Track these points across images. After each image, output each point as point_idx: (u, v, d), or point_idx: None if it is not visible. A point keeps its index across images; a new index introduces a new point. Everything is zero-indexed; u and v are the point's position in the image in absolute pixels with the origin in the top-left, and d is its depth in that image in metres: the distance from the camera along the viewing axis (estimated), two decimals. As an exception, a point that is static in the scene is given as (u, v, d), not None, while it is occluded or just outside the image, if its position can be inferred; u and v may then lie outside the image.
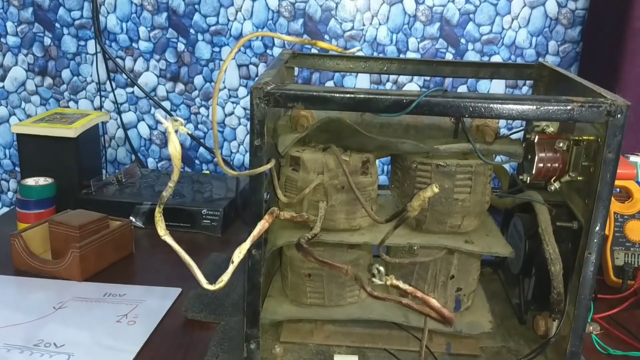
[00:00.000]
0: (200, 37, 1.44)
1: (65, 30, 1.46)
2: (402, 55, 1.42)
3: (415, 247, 0.75)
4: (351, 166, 0.71)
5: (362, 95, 0.63)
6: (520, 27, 1.40)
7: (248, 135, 1.44)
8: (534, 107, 0.62)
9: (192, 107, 1.49)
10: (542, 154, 0.70)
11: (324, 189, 0.72)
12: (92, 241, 0.98)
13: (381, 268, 0.53)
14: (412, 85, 1.45)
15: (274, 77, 0.68)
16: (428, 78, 1.43)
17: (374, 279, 0.53)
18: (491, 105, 0.62)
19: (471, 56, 1.42)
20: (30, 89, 1.51)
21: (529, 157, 0.72)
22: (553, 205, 0.73)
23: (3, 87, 1.50)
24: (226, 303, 0.90)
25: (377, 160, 0.76)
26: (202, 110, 1.49)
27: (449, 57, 1.42)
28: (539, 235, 0.72)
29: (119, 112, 1.50)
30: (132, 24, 1.44)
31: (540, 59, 1.41)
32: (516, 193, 0.83)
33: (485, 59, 1.42)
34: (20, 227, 1.08)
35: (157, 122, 1.51)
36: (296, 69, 0.94)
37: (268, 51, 1.44)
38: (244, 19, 1.42)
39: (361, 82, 1.45)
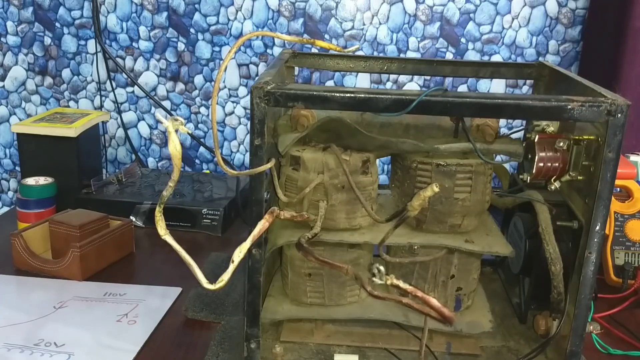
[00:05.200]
0: (200, 36, 1.44)
1: (65, 30, 1.46)
2: (402, 55, 1.42)
3: (416, 247, 0.75)
4: (351, 166, 0.71)
5: (362, 95, 0.63)
6: (520, 27, 1.40)
7: (248, 135, 1.44)
8: (534, 106, 0.62)
9: (192, 106, 1.49)
10: (543, 154, 0.70)
11: (324, 189, 0.72)
12: (93, 241, 0.98)
13: (381, 267, 0.53)
14: (413, 84, 1.45)
15: (274, 76, 0.68)
16: (428, 77, 1.43)
17: (374, 279, 0.53)
18: (491, 104, 0.62)
19: (471, 56, 1.42)
20: (31, 89, 1.51)
21: (529, 156, 0.72)
22: (553, 205, 0.73)
23: (3, 86, 1.51)
24: (226, 302, 0.90)
25: (377, 160, 0.76)
26: (202, 109, 1.49)
27: (449, 56, 1.42)
28: (539, 235, 0.72)
29: (119, 112, 1.50)
30: (132, 23, 1.44)
31: (541, 59, 1.41)
32: (516, 192, 0.83)
33: (486, 58, 1.42)
34: (21, 226, 1.08)
35: (158, 121, 1.51)
36: (296, 68, 0.94)
37: (268, 50, 1.44)
38: (244, 19, 1.42)
39: (361, 81, 1.45)
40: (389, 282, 0.53)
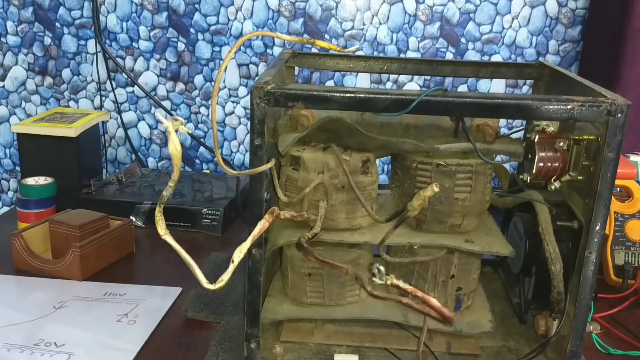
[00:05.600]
0: (200, 36, 1.44)
1: (65, 30, 1.46)
2: (402, 55, 1.42)
3: (416, 247, 0.75)
4: (351, 165, 0.71)
5: (362, 95, 0.63)
6: (520, 27, 1.40)
7: (248, 135, 1.44)
8: (535, 106, 0.62)
9: (192, 106, 1.49)
10: (543, 154, 0.70)
11: (324, 189, 0.72)
12: (93, 241, 0.98)
13: (381, 267, 0.53)
14: (413, 84, 1.45)
15: (274, 76, 0.68)
16: (428, 77, 1.43)
17: (374, 279, 0.53)
18: (491, 104, 0.62)
19: (471, 55, 1.42)
20: (31, 89, 1.51)
21: (529, 156, 0.72)
22: (553, 205, 0.73)
23: (3, 86, 1.51)
24: (226, 302, 0.90)
25: (378, 160, 0.76)
26: (202, 109, 1.49)
27: (449, 56, 1.42)
28: (539, 235, 0.72)
29: (119, 112, 1.50)
30: (132, 23, 1.44)
31: (541, 59, 1.41)
32: (516, 192, 0.83)
33: (486, 58, 1.42)
34: (21, 226, 1.08)
35: (158, 121, 1.51)
36: (296, 68, 0.94)
37: (268, 50, 1.44)
38: (244, 19, 1.42)
39: (361, 81, 1.45)
40: (389, 282, 0.53)
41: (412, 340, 0.77)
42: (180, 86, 1.48)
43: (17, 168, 1.54)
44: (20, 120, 1.50)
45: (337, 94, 0.63)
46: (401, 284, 0.53)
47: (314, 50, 0.98)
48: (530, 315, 0.81)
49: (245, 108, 1.48)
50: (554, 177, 0.70)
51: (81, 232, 0.98)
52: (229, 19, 1.42)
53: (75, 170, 1.22)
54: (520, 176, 0.73)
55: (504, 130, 1.33)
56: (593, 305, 0.70)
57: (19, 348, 0.78)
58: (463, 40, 1.41)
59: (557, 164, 0.70)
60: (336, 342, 0.78)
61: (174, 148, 0.48)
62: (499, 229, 0.81)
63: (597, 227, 0.65)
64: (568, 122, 0.73)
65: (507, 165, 0.93)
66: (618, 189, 1.05)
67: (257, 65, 1.45)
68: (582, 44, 1.39)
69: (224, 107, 1.49)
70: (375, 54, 1.43)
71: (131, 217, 1.16)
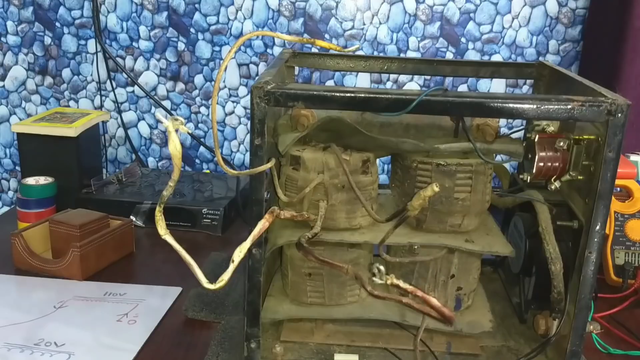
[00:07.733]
0: (200, 36, 1.44)
1: (65, 30, 1.46)
2: (402, 55, 1.42)
3: (416, 246, 0.75)
4: (351, 165, 0.71)
5: (363, 95, 0.63)
6: (520, 26, 1.40)
7: (248, 135, 1.44)
8: (535, 106, 0.62)
9: (192, 106, 1.49)
10: (543, 153, 0.70)
11: (325, 188, 0.72)
12: (93, 240, 0.98)
13: (381, 267, 0.53)
14: (413, 84, 1.45)
15: (275, 76, 0.68)
16: (428, 77, 1.43)
17: (374, 278, 0.53)
18: (491, 104, 0.62)
19: (471, 55, 1.42)
20: (31, 88, 1.51)
21: (530, 156, 0.72)
22: (553, 205, 0.73)
23: (3, 86, 1.51)
24: (227, 302, 0.90)
25: (378, 160, 0.76)
26: (203, 109, 1.49)
27: (449, 56, 1.42)
28: (540, 235, 0.72)
29: (120, 112, 1.50)
30: (133, 23, 1.44)
31: (541, 58, 1.41)
32: (517, 192, 0.83)
33: (486, 58, 1.42)
34: (21, 226, 1.08)
35: (158, 121, 1.51)
36: (296, 68, 0.94)
37: (268, 50, 1.44)
38: (244, 18, 1.42)
39: (361, 81, 1.45)
40: (389, 282, 0.53)
41: (412, 340, 0.76)
42: (180, 86, 1.48)
43: (17, 168, 1.54)
44: (21, 120, 1.50)
45: (337, 94, 0.63)
46: (401, 283, 0.53)
47: (314, 50, 0.98)
48: (530, 315, 0.81)
49: (245, 108, 1.48)
50: (554, 177, 0.70)
51: (81, 232, 0.98)
52: (229, 19, 1.42)
53: (75, 170, 1.23)
54: (521, 176, 0.73)
55: (504, 130, 1.33)
56: (593, 305, 0.70)
57: (19, 348, 0.78)
58: (463, 40, 1.41)
59: (557, 164, 0.70)
60: (336, 342, 0.78)
61: (174, 148, 0.48)
62: (499, 229, 0.81)
63: (597, 227, 0.65)
64: (568, 122, 0.73)
65: (507, 165, 0.93)
66: (618, 189, 1.05)
67: (257, 65, 1.45)
68: (582, 44, 1.39)
69: (224, 106, 1.48)
70: (375, 53, 1.43)
71: (131, 217, 1.16)
